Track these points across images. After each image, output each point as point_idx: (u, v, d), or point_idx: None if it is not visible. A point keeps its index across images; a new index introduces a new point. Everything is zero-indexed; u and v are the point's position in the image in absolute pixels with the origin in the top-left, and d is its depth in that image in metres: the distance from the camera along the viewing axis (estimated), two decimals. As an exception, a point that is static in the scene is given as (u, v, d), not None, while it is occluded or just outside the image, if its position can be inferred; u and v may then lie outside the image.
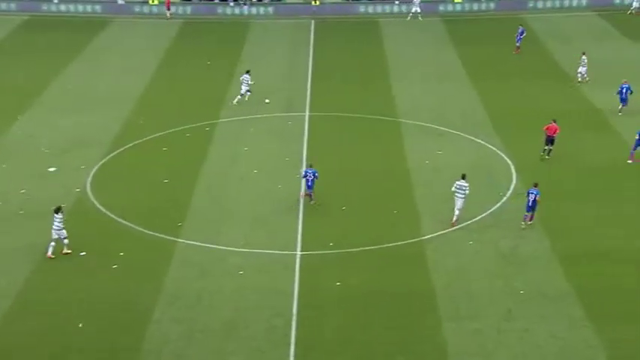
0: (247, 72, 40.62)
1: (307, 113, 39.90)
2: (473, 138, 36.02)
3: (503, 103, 40.51)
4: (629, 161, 33.15)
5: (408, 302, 23.84)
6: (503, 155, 33.83)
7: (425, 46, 52.38)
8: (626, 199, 29.87)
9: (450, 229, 27.75)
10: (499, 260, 25.94)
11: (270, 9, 62.00)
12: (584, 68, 43.09)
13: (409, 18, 58.49)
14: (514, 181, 31.42)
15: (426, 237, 27.46)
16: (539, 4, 61.46)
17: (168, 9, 60.42)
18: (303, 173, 29.60)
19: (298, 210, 29.47)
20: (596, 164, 32.92)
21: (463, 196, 27.63)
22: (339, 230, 28.18)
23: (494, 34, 55.03)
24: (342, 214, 29.41)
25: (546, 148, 33.44)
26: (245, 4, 62.00)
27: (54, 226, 26.00)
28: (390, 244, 27.00)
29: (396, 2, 61.37)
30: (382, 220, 28.82)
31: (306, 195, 29.62)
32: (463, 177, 27.87)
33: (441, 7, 61.08)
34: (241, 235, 27.86)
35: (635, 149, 33.09)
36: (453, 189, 27.84)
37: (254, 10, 61.95)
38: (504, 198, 29.97)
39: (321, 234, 27.87)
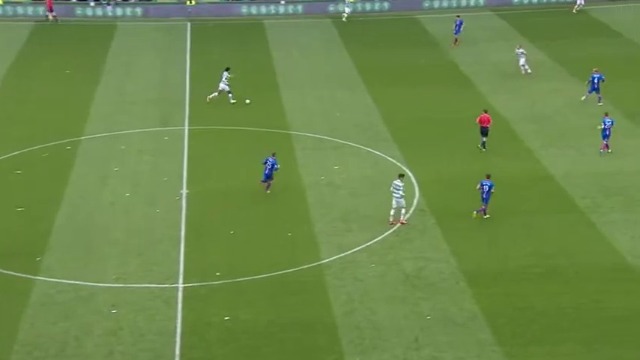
0: (227, 69, 41.77)
1: (186, 127, 39.51)
2: (371, 150, 36.77)
3: (402, 110, 41.63)
4: (602, 150, 35.22)
5: (307, 335, 23.88)
6: (405, 168, 34.70)
7: (316, 49, 53.18)
8: (534, 213, 31.16)
9: (350, 252, 28.12)
10: (404, 283, 26.48)
11: (139, 10, 61.10)
12: (523, 59, 45.40)
13: (344, 19, 59.12)
14: (417, 196, 32.25)
15: (324, 261, 27.68)
16: (435, 4, 63.72)
17: (51, 10, 58.04)
18: (264, 160, 31.72)
19: (180, 235, 29.04)
20: (502, 176, 34.22)
21: (399, 196, 29.59)
22: (226, 257, 27.96)
23: (389, 35, 56.60)
24: (230, 239, 29.21)
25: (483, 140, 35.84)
26: (108, 4, 60.80)
27: None
28: (285, 271, 27.02)
29: (282, 2, 62.01)
30: (275, 244, 28.82)
31: (262, 183, 31.73)
32: (401, 176, 30.20)
33: (331, 8, 61.97)
34: (113, 269, 27.20)
35: (606, 139, 35.15)
36: (391, 189, 29.81)
37: (119, 10, 60.84)
38: (407, 214, 30.70)
39: (206, 263, 27.57)
